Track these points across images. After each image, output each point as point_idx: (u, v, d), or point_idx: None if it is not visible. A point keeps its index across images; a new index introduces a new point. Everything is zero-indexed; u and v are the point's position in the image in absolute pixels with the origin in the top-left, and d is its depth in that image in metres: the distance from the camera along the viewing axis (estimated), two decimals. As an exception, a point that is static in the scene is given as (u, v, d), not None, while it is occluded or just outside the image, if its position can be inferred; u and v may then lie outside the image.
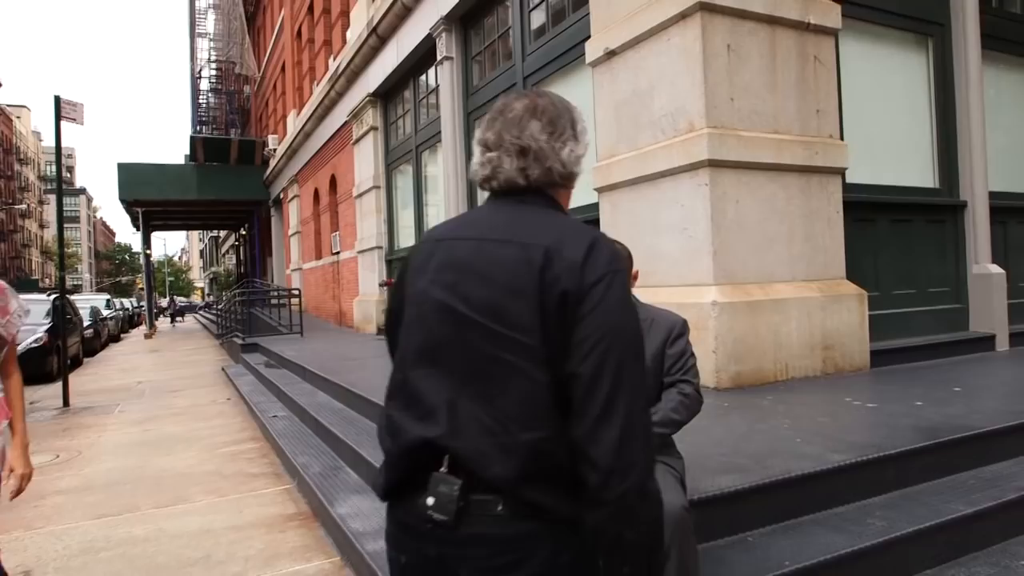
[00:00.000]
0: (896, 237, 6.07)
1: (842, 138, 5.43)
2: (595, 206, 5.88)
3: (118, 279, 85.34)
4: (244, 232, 32.79)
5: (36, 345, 12.75)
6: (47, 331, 12.97)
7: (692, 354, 2.52)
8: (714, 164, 4.72)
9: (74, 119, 9.67)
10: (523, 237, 1.15)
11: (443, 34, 9.06)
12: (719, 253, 4.74)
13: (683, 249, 4.91)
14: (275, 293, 16.66)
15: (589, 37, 5.91)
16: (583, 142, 1.27)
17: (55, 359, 13.15)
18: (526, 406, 1.09)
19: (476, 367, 1.12)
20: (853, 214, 5.57)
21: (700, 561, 2.11)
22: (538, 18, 7.47)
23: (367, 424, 5.14)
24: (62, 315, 9.97)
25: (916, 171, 6.37)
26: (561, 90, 7.00)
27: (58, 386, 10.55)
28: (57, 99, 9.32)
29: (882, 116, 6.11)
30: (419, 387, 1.17)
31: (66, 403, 9.24)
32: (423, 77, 10.55)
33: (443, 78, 9.11)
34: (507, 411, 1.09)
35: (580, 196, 6.43)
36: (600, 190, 5.70)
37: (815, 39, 5.26)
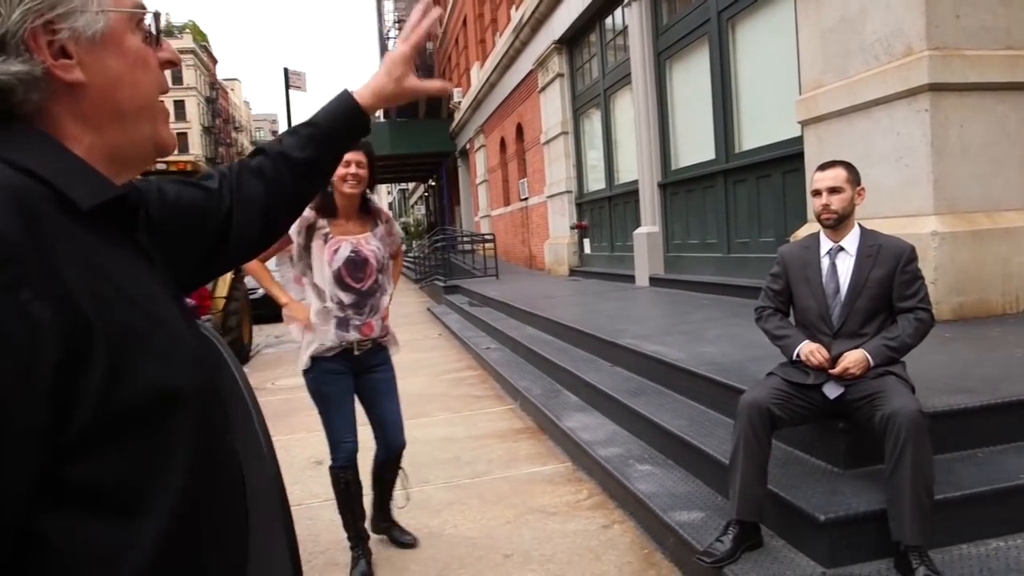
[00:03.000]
0: None
1: (1090, 48, 4.92)
2: (798, 139, 5.81)
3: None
4: (432, 183, 34.73)
5: (272, 289, 14.71)
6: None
7: (923, 280, 2.64)
8: (935, 88, 4.52)
9: (299, 87, 10.90)
10: None
11: (631, -26, 9.06)
12: (939, 181, 4.57)
13: (898, 179, 4.78)
14: (468, 239, 17.72)
15: (792, -37, 5.75)
16: None
17: (287, 301, 15.09)
18: None
19: None
20: (1102, 132, 5.05)
21: (932, 464, 2.28)
22: (733, -52, 7.29)
23: (579, 352, 5.60)
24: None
25: None
26: (761, 22, 6.88)
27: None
28: (286, 71, 10.54)
29: None
30: None
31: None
32: (609, 19, 10.62)
33: (631, 19, 9.15)
34: None
35: (782, 130, 6.36)
36: (805, 123, 5.61)
37: (1059, -60, 4.77)
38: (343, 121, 1.08)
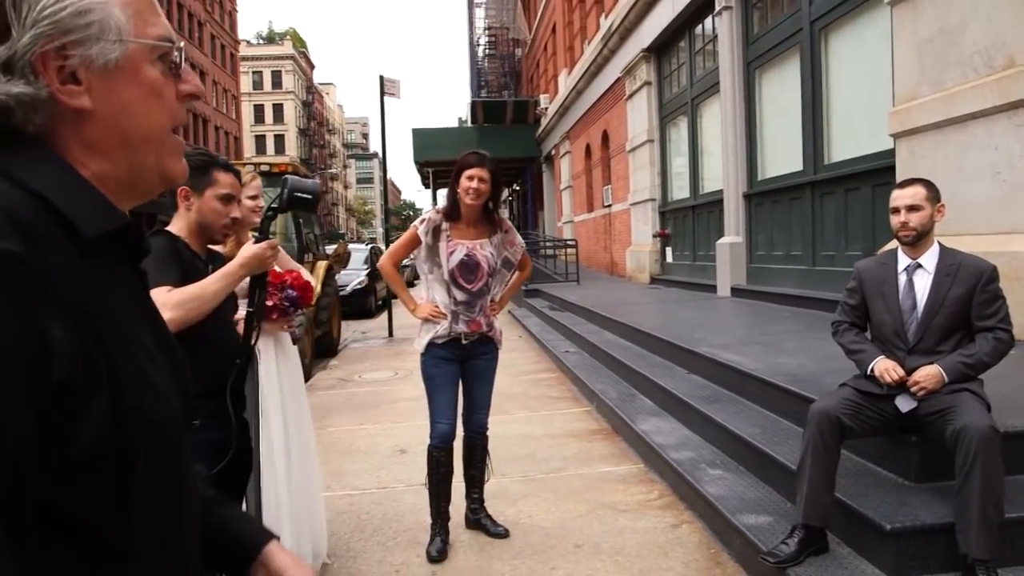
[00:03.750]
0: None
1: None
2: (890, 152, 5.71)
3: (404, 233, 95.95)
4: (517, 187, 35.14)
5: (359, 287, 15.32)
6: (367, 275, 15.53)
7: (1004, 300, 2.63)
8: (1037, 102, 4.39)
9: (393, 94, 11.36)
10: None
11: (722, -17, 9.04)
12: (1039, 198, 4.43)
13: (994, 195, 4.66)
14: (551, 244, 17.91)
15: (888, -26, 5.66)
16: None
17: (373, 299, 15.73)
18: None
19: None
20: None
21: (1003, 480, 2.30)
22: (828, -43, 7.19)
23: (656, 359, 5.69)
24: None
25: None
26: (855, 33, 6.79)
27: (379, 320, 12.68)
28: (381, 78, 11.02)
29: None
30: None
31: (390, 334, 11.11)
32: (699, 28, 10.59)
33: (721, 28, 9.12)
34: None
35: (873, 142, 6.25)
36: (897, 135, 5.52)
37: None
38: (230, 543, 0.91)
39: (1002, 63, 4.58)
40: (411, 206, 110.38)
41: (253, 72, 69.20)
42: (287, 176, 1.95)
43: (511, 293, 3.51)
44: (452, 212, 3.16)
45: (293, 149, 69.00)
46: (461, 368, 3.24)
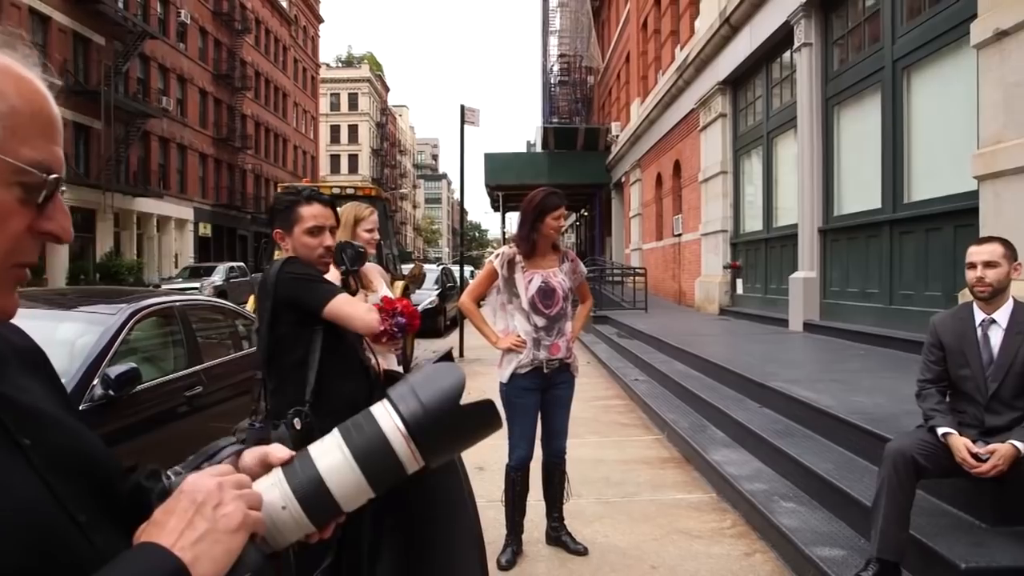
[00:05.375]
0: None
1: None
2: (973, 194, 5.70)
3: (470, 253, 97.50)
4: (585, 213, 35.39)
5: (430, 307, 15.75)
6: (438, 295, 15.97)
7: None
8: None
9: (472, 122, 11.79)
10: None
11: (802, 20, 9.11)
12: None
13: (1082, 241, 4.63)
14: (618, 271, 18.03)
15: (974, 17, 5.69)
16: None
17: (443, 319, 16.14)
18: None
19: None
20: None
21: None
22: (913, -3, 7.23)
23: (727, 391, 5.79)
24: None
25: None
26: (938, 73, 6.81)
27: (448, 340, 13.03)
28: (462, 107, 11.47)
29: None
30: None
31: (461, 354, 11.41)
32: (776, 63, 10.66)
33: (800, 64, 9.18)
34: None
35: (955, 183, 6.23)
36: (981, 178, 5.51)
37: None
38: None
39: (1092, 110, 4.58)
40: (477, 227, 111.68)
41: (331, 94, 71.72)
42: (343, 243, 2.34)
43: (581, 324, 3.73)
44: (529, 247, 3.40)
45: (366, 169, 71.02)
46: (541, 397, 3.46)
